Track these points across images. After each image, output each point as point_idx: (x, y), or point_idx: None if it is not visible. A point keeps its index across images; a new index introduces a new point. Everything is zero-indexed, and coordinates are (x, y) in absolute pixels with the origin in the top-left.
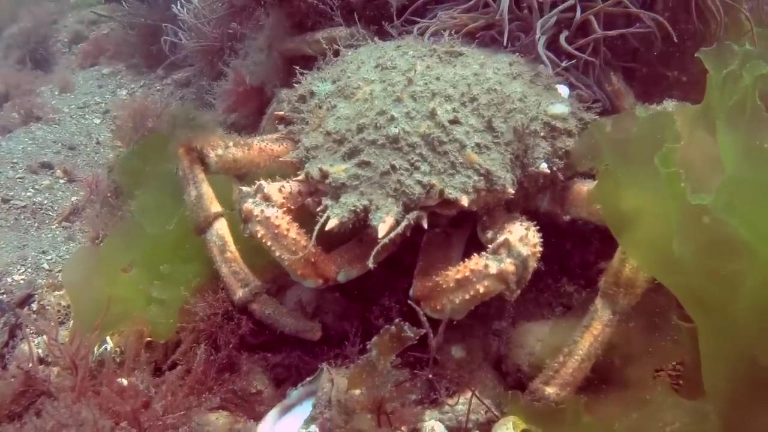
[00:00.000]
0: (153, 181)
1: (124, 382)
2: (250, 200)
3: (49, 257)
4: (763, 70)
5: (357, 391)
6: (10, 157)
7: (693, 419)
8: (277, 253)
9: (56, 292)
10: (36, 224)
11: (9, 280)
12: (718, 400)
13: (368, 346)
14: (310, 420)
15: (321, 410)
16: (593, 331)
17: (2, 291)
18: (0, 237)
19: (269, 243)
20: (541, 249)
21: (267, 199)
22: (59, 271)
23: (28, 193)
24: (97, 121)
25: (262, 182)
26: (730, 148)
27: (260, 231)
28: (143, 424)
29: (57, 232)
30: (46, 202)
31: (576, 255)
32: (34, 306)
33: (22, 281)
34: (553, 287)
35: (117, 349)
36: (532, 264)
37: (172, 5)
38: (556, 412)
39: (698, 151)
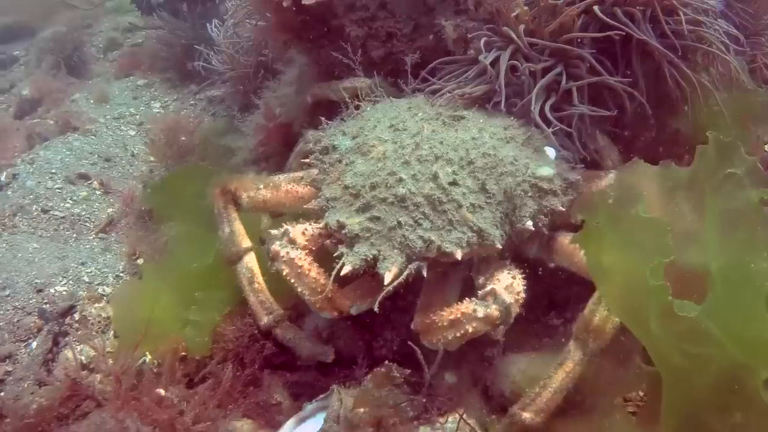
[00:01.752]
0: (185, 210)
1: (162, 392)
2: (278, 242)
3: (89, 270)
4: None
5: (361, 410)
6: (49, 167)
7: None
8: (300, 289)
9: (96, 304)
10: (75, 235)
11: (52, 291)
12: None
13: (364, 381)
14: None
15: (330, 424)
16: (566, 368)
17: (45, 301)
18: (41, 247)
19: (293, 280)
20: (524, 296)
21: (292, 241)
22: (99, 284)
23: (67, 204)
24: (132, 132)
25: (288, 227)
26: (718, 255)
27: (285, 269)
28: (178, 431)
29: (94, 243)
30: (83, 213)
31: (564, 291)
32: (76, 316)
33: (64, 292)
34: (541, 320)
35: (154, 362)
36: (515, 310)
37: (207, 24)
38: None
39: (678, 221)
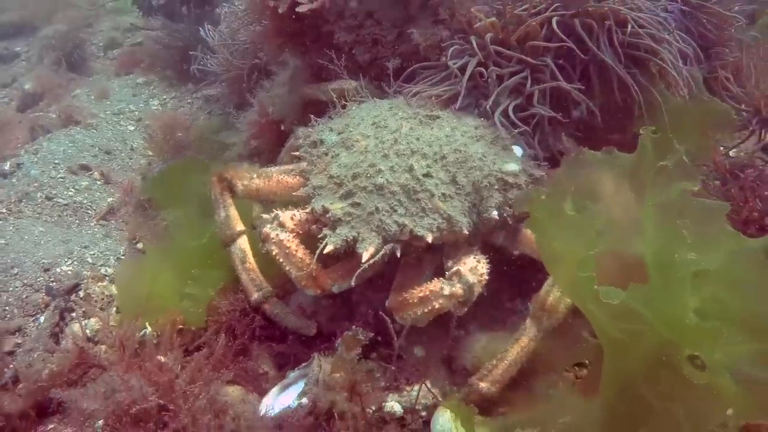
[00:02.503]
0: (182, 199)
1: (162, 359)
2: (269, 226)
3: (92, 252)
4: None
5: (337, 375)
6: (52, 158)
7: (581, 414)
8: (287, 268)
9: (99, 283)
10: (77, 221)
11: (58, 270)
12: (608, 403)
13: (336, 345)
14: (302, 394)
15: (310, 387)
16: (521, 343)
17: (52, 280)
18: (47, 231)
19: (281, 260)
20: (487, 278)
21: (281, 225)
22: (101, 265)
23: (70, 192)
24: (131, 128)
25: (278, 212)
26: (651, 244)
27: (275, 250)
28: (177, 392)
29: (96, 230)
30: (85, 201)
31: (531, 280)
32: (81, 294)
33: (69, 272)
34: (508, 306)
35: (155, 333)
36: (478, 289)
37: (200, 29)
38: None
39: (622, 210)
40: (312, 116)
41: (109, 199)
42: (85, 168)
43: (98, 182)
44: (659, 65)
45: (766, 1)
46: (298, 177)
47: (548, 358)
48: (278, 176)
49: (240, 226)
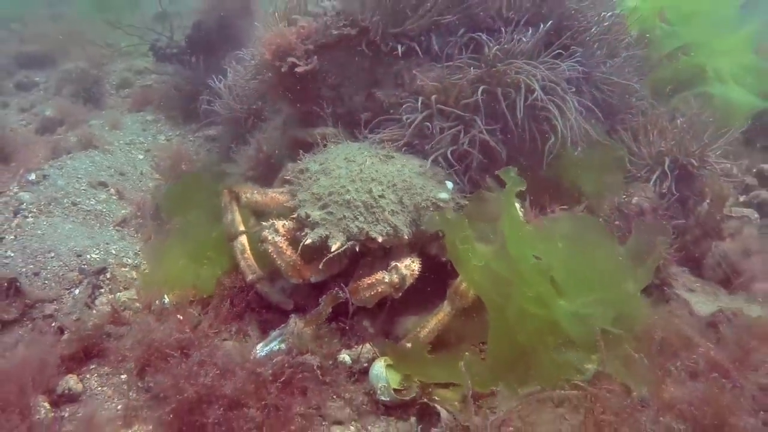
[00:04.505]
0: (190, 206)
1: (180, 317)
2: (267, 230)
3: (114, 247)
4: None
5: (308, 329)
6: (76, 173)
7: (481, 369)
8: (278, 262)
9: (123, 268)
10: (98, 225)
11: (88, 256)
12: (496, 360)
13: (320, 300)
14: (282, 341)
15: (288, 336)
16: (438, 317)
17: (84, 263)
18: (75, 228)
19: (274, 255)
20: (418, 273)
21: (276, 230)
22: (123, 256)
23: (91, 202)
24: (141, 156)
25: (274, 221)
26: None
27: (270, 248)
28: (193, 340)
29: (113, 233)
30: (104, 210)
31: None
32: (108, 275)
33: (97, 258)
34: (436, 302)
35: (173, 303)
36: (410, 280)
37: (210, 76)
38: (400, 350)
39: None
40: (301, 151)
41: (123, 211)
42: (103, 184)
43: (114, 197)
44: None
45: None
46: (286, 195)
47: (460, 334)
48: (272, 194)
49: (242, 227)
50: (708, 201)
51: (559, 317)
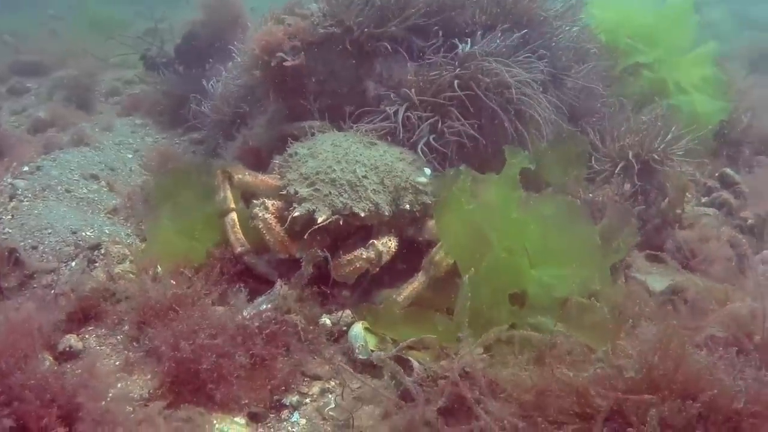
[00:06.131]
0: (181, 192)
1: (173, 282)
2: (257, 208)
3: (108, 228)
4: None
5: (292, 292)
6: (68, 165)
7: (446, 327)
8: (267, 237)
9: (116, 245)
10: (90, 211)
11: (83, 234)
12: (461, 315)
13: (302, 259)
14: (268, 302)
15: (274, 297)
16: (414, 284)
17: (79, 239)
18: (69, 210)
19: (264, 231)
20: (394, 250)
21: (266, 208)
22: (116, 236)
23: (84, 191)
24: (130, 155)
25: (265, 200)
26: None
27: (260, 224)
28: (186, 300)
29: (105, 219)
30: (96, 198)
31: None
32: (102, 251)
33: (91, 236)
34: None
35: (166, 271)
36: (386, 257)
37: (204, 81)
38: (377, 312)
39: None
40: (290, 139)
41: (113, 201)
42: (95, 177)
43: (104, 189)
44: (530, 115)
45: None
46: (275, 179)
47: (432, 302)
48: (262, 176)
49: (233, 205)
50: (669, 194)
51: (526, 282)
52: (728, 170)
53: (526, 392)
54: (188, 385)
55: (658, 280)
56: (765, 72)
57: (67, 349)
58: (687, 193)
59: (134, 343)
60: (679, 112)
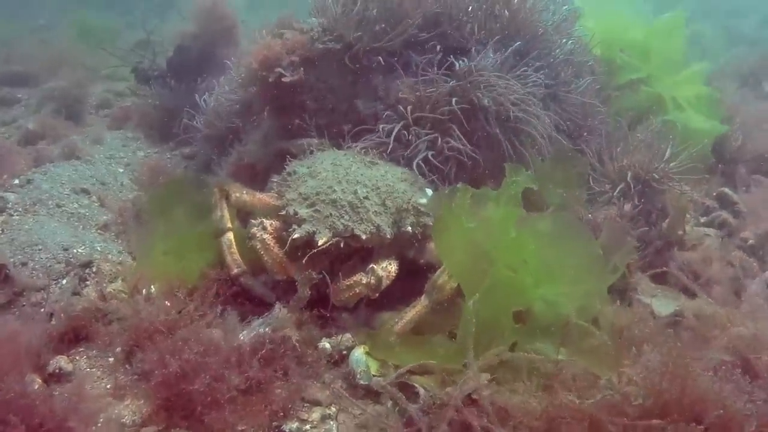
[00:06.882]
0: (174, 208)
1: (167, 303)
2: (255, 228)
3: (99, 245)
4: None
5: (290, 315)
6: (59, 179)
7: (448, 351)
8: (265, 258)
9: (107, 263)
10: (81, 227)
11: (74, 251)
12: (465, 336)
13: (297, 281)
14: (266, 325)
15: (272, 321)
16: (416, 308)
17: (71, 256)
18: (60, 226)
19: (262, 252)
20: (394, 275)
21: (264, 228)
22: (108, 253)
23: (75, 205)
24: (121, 170)
25: (263, 220)
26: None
27: (258, 245)
28: (179, 321)
29: (96, 235)
30: (87, 214)
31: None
32: (94, 269)
33: (83, 253)
34: (413, 299)
35: (159, 291)
36: (386, 282)
37: (196, 95)
38: (378, 338)
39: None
40: (288, 157)
41: (104, 217)
42: (86, 191)
43: (95, 204)
44: (529, 133)
45: None
46: (273, 198)
47: (434, 324)
48: (260, 195)
49: (229, 224)
50: (670, 215)
51: (530, 299)
52: (727, 190)
53: (537, 419)
54: (181, 411)
55: (663, 304)
56: (754, 87)
57: (57, 370)
58: (687, 214)
59: (126, 366)
60: (674, 129)
